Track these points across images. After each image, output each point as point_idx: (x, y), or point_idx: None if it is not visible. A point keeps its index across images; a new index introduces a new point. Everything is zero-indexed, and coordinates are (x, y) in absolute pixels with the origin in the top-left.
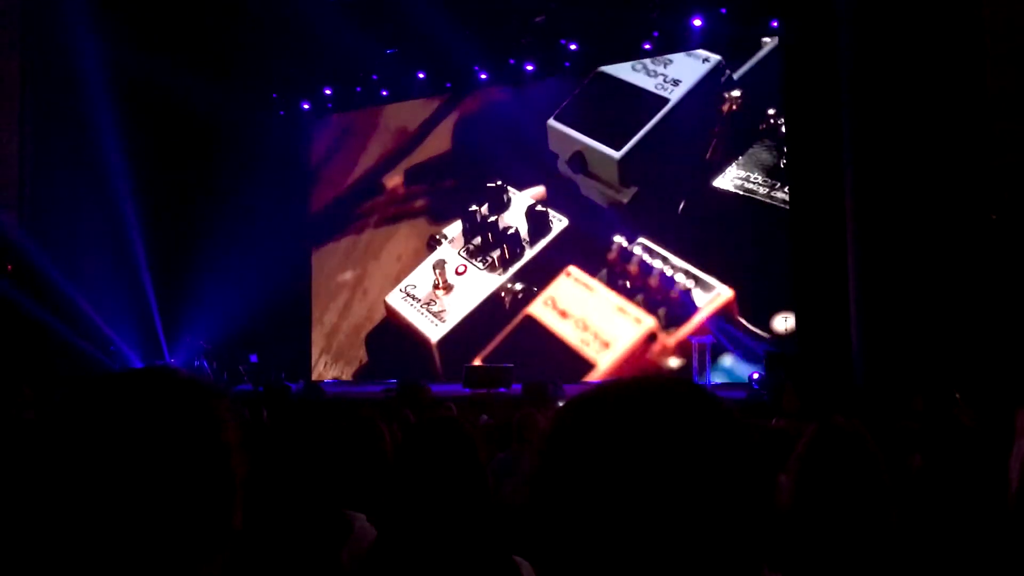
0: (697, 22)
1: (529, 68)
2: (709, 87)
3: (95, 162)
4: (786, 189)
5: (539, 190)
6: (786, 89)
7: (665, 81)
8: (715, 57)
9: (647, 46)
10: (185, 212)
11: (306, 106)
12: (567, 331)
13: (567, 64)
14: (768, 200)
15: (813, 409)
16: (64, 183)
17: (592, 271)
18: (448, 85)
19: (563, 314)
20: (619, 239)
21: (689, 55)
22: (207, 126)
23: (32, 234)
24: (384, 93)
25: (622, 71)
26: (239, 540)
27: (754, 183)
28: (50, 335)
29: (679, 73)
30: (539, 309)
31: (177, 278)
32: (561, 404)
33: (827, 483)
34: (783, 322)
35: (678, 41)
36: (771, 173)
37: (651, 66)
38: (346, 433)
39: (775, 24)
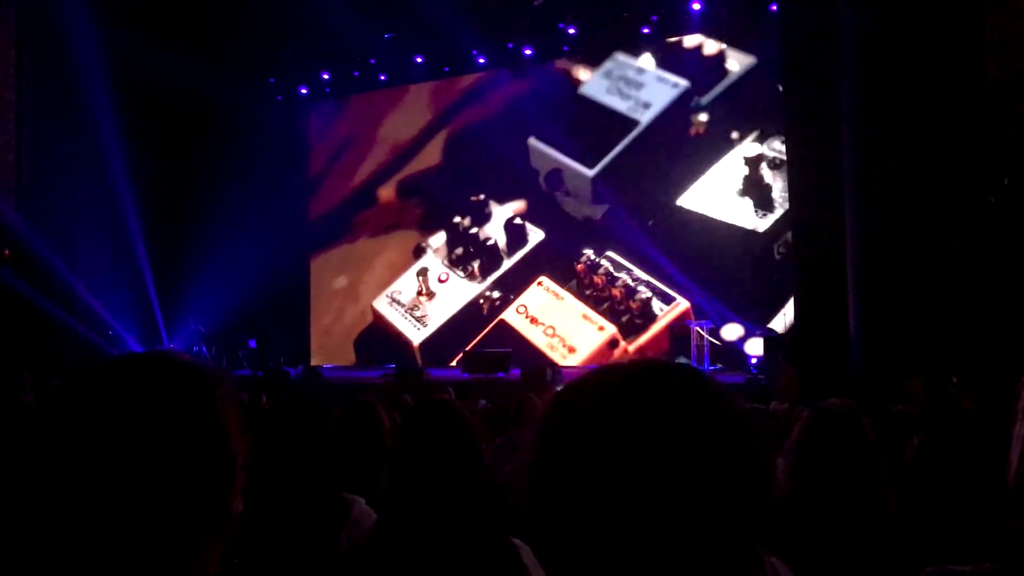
0: (696, 6)
1: (528, 52)
2: (677, 111)
3: (92, 147)
4: (745, 208)
5: (519, 204)
6: (785, 71)
7: (637, 104)
8: (684, 83)
9: (646, 30)
10: (183, 197)
11: (304, 91)
12: (536, 336)
13: (565, 48)
14: (727, 219)
15: (811, 393)
16: (61, 168)
17: (562, 281)
18: (447, 70)
19: (533, 320)
20: (588, 252)
21: (660, 80)
22: (205, 111)
23: (30, 219)
24: (382, 77)
25: (599, 93)
26: (239, 524)
27: (716, 202)
28: (48, 320)
29: (650, 96)
30: (512, 316)
31: (175, 263)
32: (559, 388)
33: (823, 466)
34: (732, 332)
35: (678, 26)
36: (733, 194)
37: (625, 89)
38: (345, 417)
39: (774, 8)
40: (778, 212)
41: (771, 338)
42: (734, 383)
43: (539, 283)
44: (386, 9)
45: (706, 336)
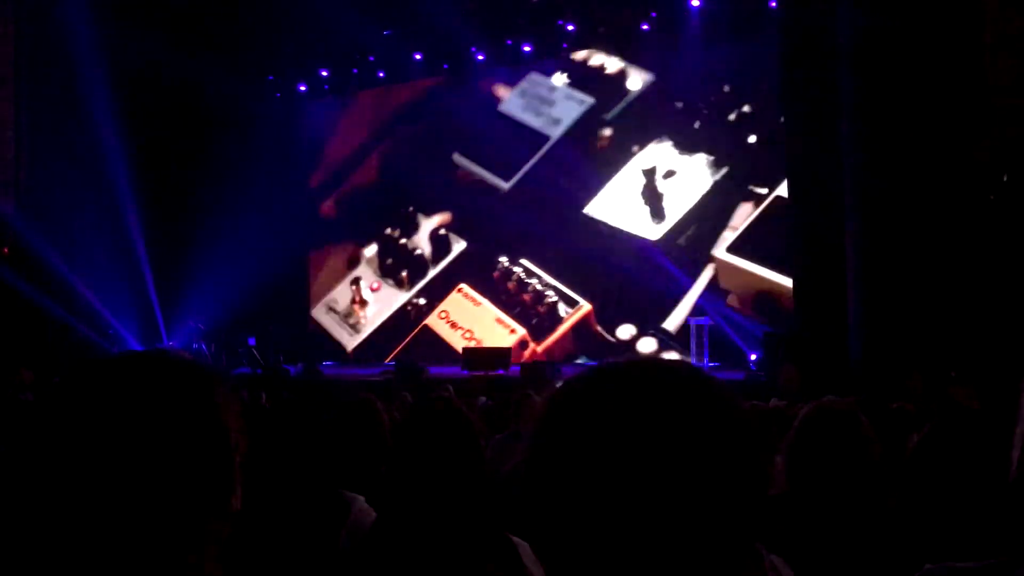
0: (695, 2)
1: (527, 49)
2: (584, 126)
3: (91, 144)
4: (642, 216)
5: (445, 216)
6: (784, 68)
7: (548, 120)
8: (589, 99)
9: (645, 27)
10: (182, 194)
11: (303, 88)
12: (456, 340)
13: (564, 45)
14: (626, 227)
15: (811, 390)
16: (61, 165)
17: (480, 288)
18: (445, 67)
19: (454, 325)
20: (503, 259)
21: (569, 97)
22: (204, 108)
23: (29, 217)
24: (381, 75)
25: (516, 110)
26: (238, 521)
27: (612, 211)
28: (48, 318)
29: (560, 113)
30: (434, 321)
31: (175, 261)
32: (558, 385)
33: (821, 464)
34: (626, 332)
35: (676, 23)
36: (632, 203)
37: (538, 106)
38: (344, 415)
39: (773, 4)
40: (671, 220)
41: (771, 335)
42: (734, 380)
43: (459, 290)
44: (385, 6)
45: (603, 334)
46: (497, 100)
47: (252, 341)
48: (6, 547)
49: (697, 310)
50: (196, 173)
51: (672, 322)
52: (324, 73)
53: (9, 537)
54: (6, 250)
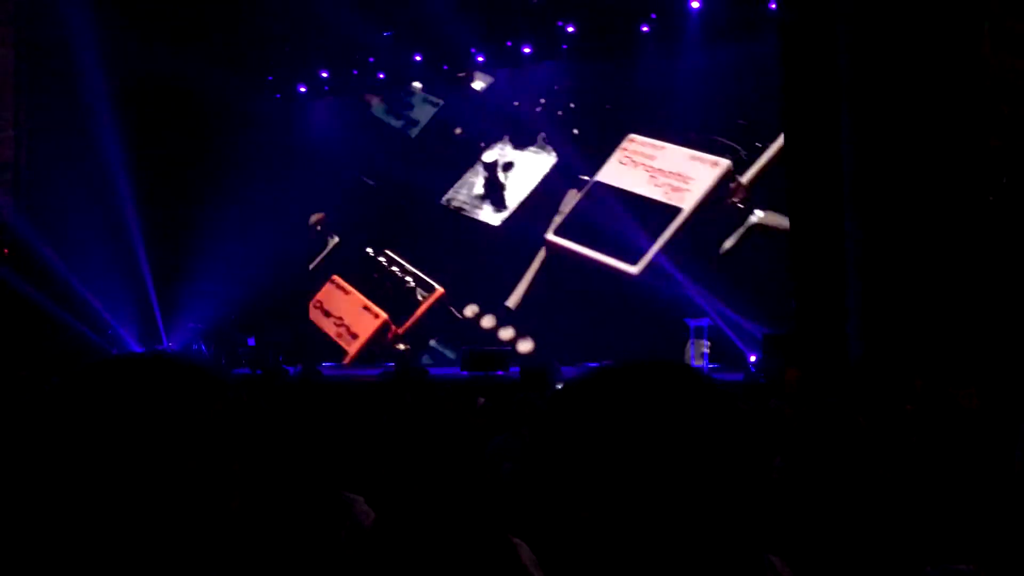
0: (695, 3)
1: (526, 51)
2: (438, 125)
3: (92, 145)
4: (486, 206)
5: (320, 215)
6: (784, 68)
7: (408, 122)
8: (441, 101)
9: (644, 28)
10: (182, 195)
11: (302, 89)
12: (329, 327)
13: (564, 47)
14: (473, 216)
15: (811, 391)
16: (61, 166)
17: (349, 278)
18: (445, 68)
19: (327, 313)
20: (369, 251)
21: (425, 100)
22: (204, 109)
23: (29, 217)
24: (381, 76)
25: (382, 114)
26: (237, 523)
27: (462, 202)
28: (47, 318)
29: (417, 115)
30: (311, 310)
31: (174, 261)
32: (559, 386)
33: (820, 465)
34: (471, 311)
35: (676, 24)
36: (477, 193)
37: (400, 110)
38: (345, 416)
39: (773, 6)
40: (510, 208)
41: (770, 337)
42: (733, 381)
43: (332, 280)
44: (385, 7)
45: (455, 313)
46: (369, 106)
47: (251, 341)
48: (5, 547)
49: (537, 289)
50: (196, 174)
51: (512, 299)
52: (324, 73)
53: (7, 537)
54: (6, 250)
